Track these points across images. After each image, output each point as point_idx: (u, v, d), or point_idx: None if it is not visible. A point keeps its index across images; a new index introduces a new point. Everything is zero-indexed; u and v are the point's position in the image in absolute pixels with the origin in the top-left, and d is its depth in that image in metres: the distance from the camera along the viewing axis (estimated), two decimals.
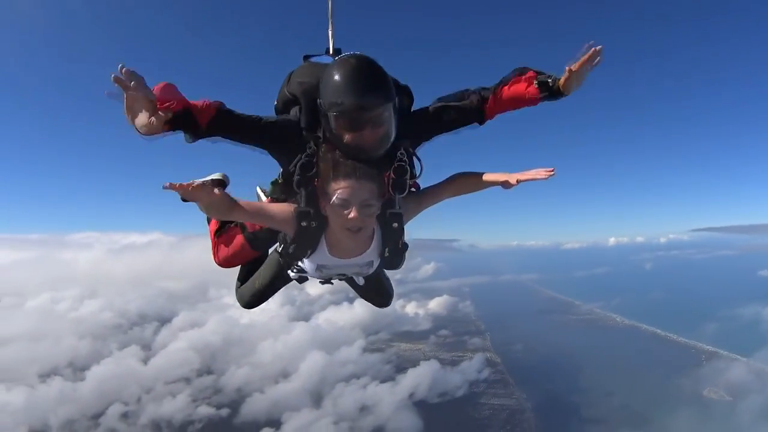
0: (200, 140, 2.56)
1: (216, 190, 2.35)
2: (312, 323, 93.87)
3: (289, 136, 2.68)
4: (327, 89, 2.46)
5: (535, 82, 2.66)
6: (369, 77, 2.44)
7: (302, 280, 3.24)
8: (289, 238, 2.77)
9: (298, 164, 2.59)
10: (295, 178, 2.59)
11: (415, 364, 77.67)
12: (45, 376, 69.37)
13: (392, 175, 2.63)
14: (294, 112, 2.78)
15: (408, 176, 2.67)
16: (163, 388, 67.78)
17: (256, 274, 3.47)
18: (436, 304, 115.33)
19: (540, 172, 2.62)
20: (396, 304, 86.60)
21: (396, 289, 3.89)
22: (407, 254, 2.96)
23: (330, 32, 3.44)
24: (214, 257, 3.49)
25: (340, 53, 3.01)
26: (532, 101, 2.73)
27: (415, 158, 2.77)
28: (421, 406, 66.50)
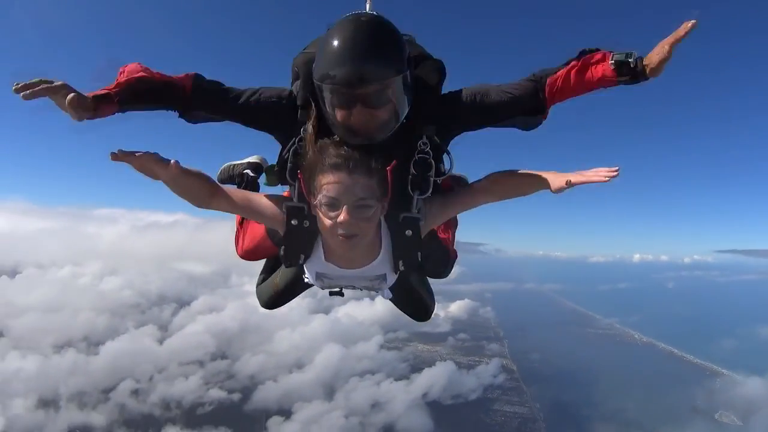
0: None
1: (172, 162, 1.92)
2: (331, 316, 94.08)
3: (281, 114, 2.23)
4: (318, 57, 2.01)
5: (611, 61, 2.09)
6: (364, 42, 1.91)
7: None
8: (279, 239, 2.32)
9: (291, 150, 2.21)
10: (288, 165, 2.20)
11: (431, 364, 77.73)
12: (59, 347, 70.90)
13: (412, 169, 2.20)
14: (296, 86, 2.27)
15: (432, 172, 2.22)
16: (176, 369, 68.50)
17: (278, 271, 3.08)
18: (457, 308, 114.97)
19: (599, 173, 2.06)
20: None
21: None
22: (453, 264, 2.67)
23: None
24: (237, 248, 3.06)
25: None
26: (605, 83, 2.15)
27: (443, 151, 2.31)
28: (433, 406, 66.47)
